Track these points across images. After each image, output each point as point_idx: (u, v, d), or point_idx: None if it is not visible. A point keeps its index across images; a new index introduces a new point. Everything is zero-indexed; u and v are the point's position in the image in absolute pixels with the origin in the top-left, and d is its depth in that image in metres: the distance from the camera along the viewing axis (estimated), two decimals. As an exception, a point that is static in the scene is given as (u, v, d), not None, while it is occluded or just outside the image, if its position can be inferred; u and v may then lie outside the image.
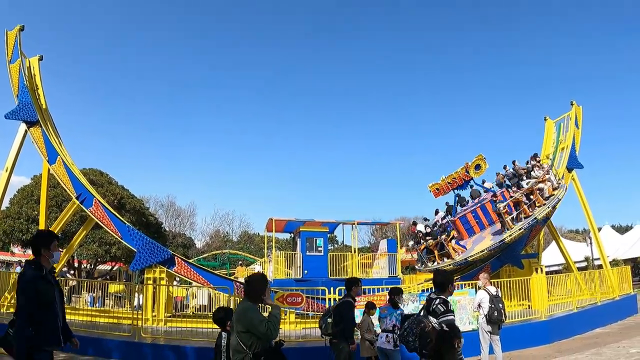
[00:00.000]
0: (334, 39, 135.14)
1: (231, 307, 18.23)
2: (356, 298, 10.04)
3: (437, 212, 26.18)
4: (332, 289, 17.04)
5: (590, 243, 41.40)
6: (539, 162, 23.90)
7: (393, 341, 10.11)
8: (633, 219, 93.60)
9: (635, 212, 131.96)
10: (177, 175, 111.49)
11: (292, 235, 30.49)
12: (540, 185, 21.91)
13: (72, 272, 36.55)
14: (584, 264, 44.17)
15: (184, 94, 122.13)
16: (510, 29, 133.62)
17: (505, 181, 23.96)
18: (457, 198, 26.22)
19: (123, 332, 15.95)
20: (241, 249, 59.61)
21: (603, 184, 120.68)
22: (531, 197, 21.73)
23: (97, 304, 25.40)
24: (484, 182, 25.42)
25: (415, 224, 26.51)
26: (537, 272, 21.63)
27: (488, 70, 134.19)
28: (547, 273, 23.61)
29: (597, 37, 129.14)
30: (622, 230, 66.47)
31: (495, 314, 12.09)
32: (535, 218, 20.89)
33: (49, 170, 21.54)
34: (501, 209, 21.42)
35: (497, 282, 17.33)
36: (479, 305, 12.52)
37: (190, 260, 23.79)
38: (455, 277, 21.62)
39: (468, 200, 26.00)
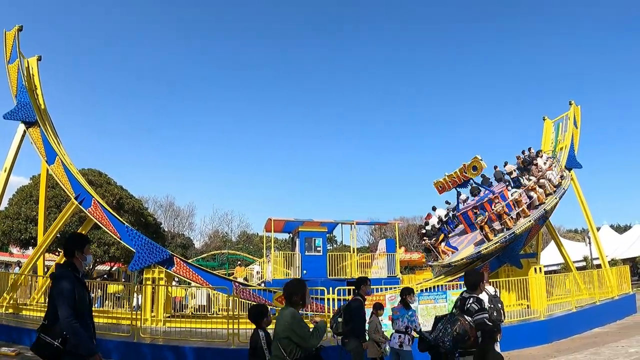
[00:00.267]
0: (334, 38, 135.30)
1: (230, 306, 18.26)
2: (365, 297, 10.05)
3: (434, 209, 26.20)
4: (331, 289, 17.05)
5: (589, 243, 41.46)
6: (540, 156, 23.98)
7: (406, 342, 10.12)
8: (632, 219, 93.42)
9: (634, 211, 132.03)
10: (176, 175, 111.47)
11: (291, 236, 30.50)
12: (542, 181, 22.04)
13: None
14: (582, 264, 44.16)
15: (183, 93, 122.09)
16: (510, 29, 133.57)
17: (504, 176, 24.21)
18: (458, 195, 26.29)
19: (122, 333, 15.95)
20: (240, 249, 59.60)
21: (602, 183, 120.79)
22: (532, 194, 21.81)
23: (96, 304, 25.42)
24: (504, 164, 25.54)
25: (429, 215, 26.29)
26: (535, 271, 21.63)
27: (488, 70, 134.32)
28: (546, 273, 23.59)
29: (597, 37, 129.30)
30: (620, 229, 66.51)
31: (494, 314, 12.07)
32: (545, 210, 21.07)
33: (47, 170, 21.53)
34: (480, 221, 21.73)
35: (496, 281, 17.35)
36: (479, 306, 12.50)
37: (189, 261, 23.80)
38: (455, 277, 21.66)
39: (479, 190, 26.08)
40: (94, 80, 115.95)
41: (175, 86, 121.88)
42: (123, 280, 43.87)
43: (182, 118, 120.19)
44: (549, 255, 43.38)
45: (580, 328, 18.84)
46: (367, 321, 10.51)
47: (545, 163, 22.81)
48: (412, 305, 10.95)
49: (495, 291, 12.62)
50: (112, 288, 26.72)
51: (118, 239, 20.91)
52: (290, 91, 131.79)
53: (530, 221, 20.97)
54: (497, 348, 9.00)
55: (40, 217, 24.03)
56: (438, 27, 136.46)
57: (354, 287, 10.42)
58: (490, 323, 6.80)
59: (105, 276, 43.06)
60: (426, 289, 17.47)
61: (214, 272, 23.10)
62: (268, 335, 7.26)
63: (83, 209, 20.64)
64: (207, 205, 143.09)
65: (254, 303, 20.09)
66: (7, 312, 19.40)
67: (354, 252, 28.51)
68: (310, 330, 5.86)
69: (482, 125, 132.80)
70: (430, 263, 25.99)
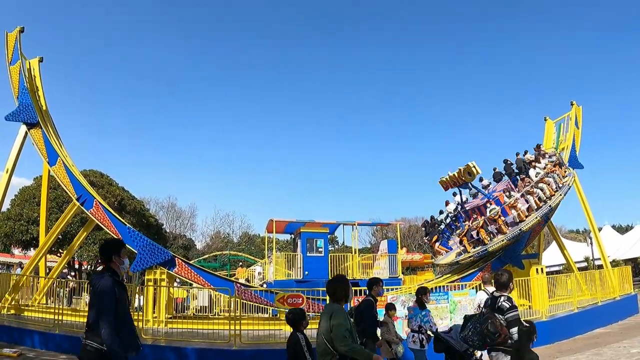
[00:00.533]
0: (334, 38, 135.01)
1: (232, 307, 18.28)
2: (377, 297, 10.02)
3: (447, 204, 26.20)
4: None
5: (591, 243, 41.39)
6: (542, 155, 23.93)
7: (419, 341, 10.13)
8: (633, 219, 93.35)
9: (636, 211, 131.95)
10: (177, 175, 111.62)
11: (293, 236, 30.51)
12: (541, 185, 22.06)
13: (72, 273, 36.57)
14: (584, 264, 44.11)
15: (183, 93, 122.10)
16: (510, 29, 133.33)
17: (503, 176, 24.30)
18: (454, 195, 26.29)
19: (124, 334, 15.94)
20: (242, 250, 59.68)
21: (603, 183, 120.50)
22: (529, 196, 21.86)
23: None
24: (481, 179, 25.49)
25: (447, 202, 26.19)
26: (537, 272, 21.63)
27: (488, 70, 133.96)
28: (547, 273, 23.59)
29: (597, 37, 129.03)
30: (622, 230, 66.41)
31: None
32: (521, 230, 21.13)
33: (49, 171, 21.55)
34: (459, 234, 22.00)
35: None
36: (479, 306, 12.53)
37: (190, 262, 23.79)
38: (458, 278, 21.68)
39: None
40: (94, 80, 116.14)
41: (175, 86, 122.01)
42: (125, 281, 43.92)
43: (182, 118, 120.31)
44: (551, 256, 43.30)
45: (582, 329, 18.84)
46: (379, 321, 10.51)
47: (537, 174, 22.65)
48: (427, 305, 10.97)
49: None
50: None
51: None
52: (290, 91, 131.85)
53: (503, 240, 21.06)
54: None
55: (42, 218, 24.06)
56: (438, 27, 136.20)
57: (366, 288, 10.39)
58: (527, 324, 7.07)
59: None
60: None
61: (215, 273, 23.10)
62: (306, 337, 7.43)
63: (85, 210, 20.63)
64: (208, 206, 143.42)
65: (256, 304, 20.14)
66: (9, 313, 19.41)
67: (355, 253, 28.52)
68: (347, 335, 5.79)
69: (482, 125, 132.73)
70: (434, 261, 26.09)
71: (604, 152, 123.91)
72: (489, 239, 21.61)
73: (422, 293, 11.02)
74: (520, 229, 20.79)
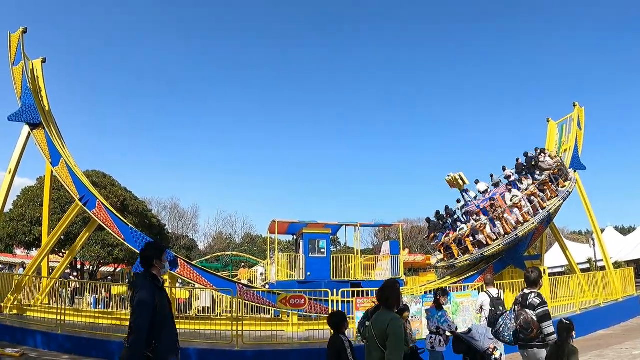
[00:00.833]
0: (334, 38, 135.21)
1: (234, 308, 18.29)
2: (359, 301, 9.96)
3: (477, 182, 26.01)
4: (335, 290, 17.02)
5: (593, 244, 41.34)
6: (543, 159, 23.84)
7: (437, 343, 10.12)
8: (636, 220, 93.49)
9: (639, 213, 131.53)
10: (178, 175, 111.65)
11: (295, 237, 30.51)
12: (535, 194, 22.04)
13: (75, 274, 36.62)
14: (586, 266, 44.07)
15: (183, 93, 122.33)
16: (510, 29, 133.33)
17: (500, 182, 24.28)
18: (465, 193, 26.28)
19: (126, 334, 15.93)
20: (244, 250, 59.70)
21: (606, 185, 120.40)
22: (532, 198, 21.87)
23: (100, 306, 25.49)
24: (502, 168, 25.44)
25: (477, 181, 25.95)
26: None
27: (488, 70, 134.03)
28: (549, 275, 23.58)
29: (597, 37, 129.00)
30: (625, 231, 66.33)
31: (496, 317, 12.10)
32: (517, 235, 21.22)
33: (52, 172, 21.58)
34: (447, 241, 22.37)
35: (500, 283, 17.34)
36: (481, 308, 12.53)
37: (193, 262, 23.81)
38: (460, 279, 21.69)
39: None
40: (94, 80, 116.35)
41: (175, 86, 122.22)
42: (127, 281, 43.99)
43: (182, 118, 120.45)
44: (553, 257, 43.28)
45: (584, 330, 18.80)
46: None
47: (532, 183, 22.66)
48: (444, 306, 10.96)
49: (499, 293, 12.65)
50: (117, 289, 26.82)
51: (122, 241, 20.91)
52: (290, 91, 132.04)
53: (499, 245, 21.04)
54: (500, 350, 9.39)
55: (44, 219, 24.08)
56: (438, 27, 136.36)
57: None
58: (567, 321, 7.27)
59: (109, 278, 43.17)
60: (430, 291, 17.44)
61: (217, 273, 23.12)
62: (349, 339, 7.50)
63: (87, 211, 20.66)
64: (210, 207, 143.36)
65: (258, 304, 20.15)
66: (11, 313, 19.44)
67: (357, 254, 28.53)
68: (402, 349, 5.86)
69: (482, 126, 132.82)
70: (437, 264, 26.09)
71: (607, 153, 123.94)
72: (474, 249, 21.70)
73: (440, 294, 11.03)
74: (516, 234, 20.77)
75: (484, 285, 13.43)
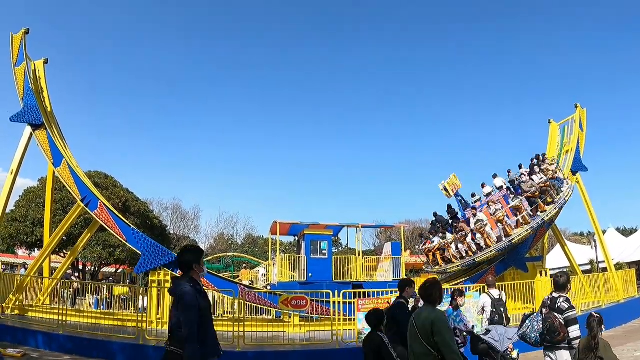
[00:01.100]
0: (334, 38, 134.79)
1: (235, 309, 18.29)
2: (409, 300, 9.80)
3: (483, 186, 25.88)
4: (336, 292, 17.00)
5: (595, 246, 41.34)
6: (539, 166, 23.67)
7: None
8: (638, 222, 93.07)
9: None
10: (178, 176, 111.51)
11: (297, 238, 30.56)
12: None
13: (76, 274, 36.64)
14: (588, 267, 44.04)
15: (183, 93, 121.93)
16: (510, 29, 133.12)
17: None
18: (458, 200, 26.25)
19: (128, 335, 15.98)
20: (245, 251, 59.71)
21: (607, 186, 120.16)
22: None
23: (102, 307, 25.51)
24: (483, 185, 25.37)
25: (495, 176, 25.75)
26: (541, 275, 21.58)
27: (488, 70, 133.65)
28: (551, 276, 23.53)
29: (598, 37, 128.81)
30: (626, 233, 66.28)
31: (497, 318, 12.12)
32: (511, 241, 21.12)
33: (54, 173, 21.60)
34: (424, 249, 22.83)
35: (502, 285, 17.33)
36: (483, 309, 12.54)
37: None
38: (462, 281, 21.66)
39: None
40: (93, 80, 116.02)
41: (175, 86, 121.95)
42: (129, 282, 44.01)
43: (182, 118, 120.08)
44: (555, 259, 43.25)
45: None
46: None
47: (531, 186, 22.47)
48: (461, 307, 10.96)
49: (500, 294, 12.65)
50: (118, 290, 26.84)
51: (124, 242, 20.93)
52: (290, 91, 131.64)
53: (492, 251, 20.98)
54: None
55: (46, 220, 24.12)
56: (438, 27, 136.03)
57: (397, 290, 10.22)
58: (597, 315, 7.39)
59: (110, 278, 43.18)
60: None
61: (219, 274, 23.14)
62: (387, 337, 7.54)
63: (89, 212, 20.67)
64: (211, 207, 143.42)
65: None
66: (13, 313, 19.47)
67: (359, 255, 28.54)
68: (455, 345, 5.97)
69: (482, 126, 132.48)
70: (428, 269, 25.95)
71: (608, 154, 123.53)
72: (457, 257, 21.70)
73: (457, 295, 11.05)
74: (510, 241, 20.68)
75: (486, 287, 13.44)
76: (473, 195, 25.93)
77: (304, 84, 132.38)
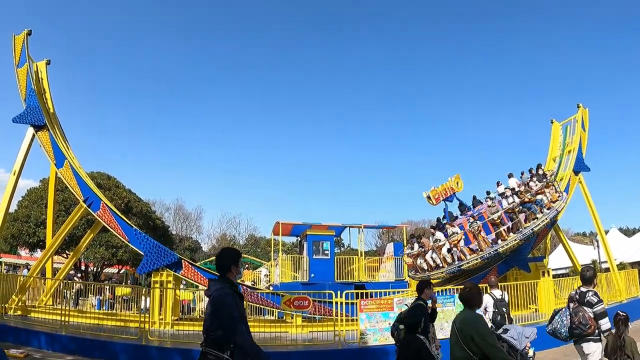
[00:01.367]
0: (334, 38, 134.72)
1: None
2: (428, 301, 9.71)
3: (499, 184, 25.09)
4: (338, 292, 17.02)
5: (597, 246, 41.26)
6: (534, 179, 23.24)
7: None
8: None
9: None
10: (181, 176, 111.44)
11: (299, 239, 30.55)
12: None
13: (79, 275, 36.66)
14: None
15: (183, 93, 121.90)
16: (510, 29, 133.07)
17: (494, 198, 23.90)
18: (446, 208, 25.98)
19: (130, 335, 15.99)
20: (248, 252, 59.62)
21: (610, 186, 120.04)
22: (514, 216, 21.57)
23: (104, 307, 25.53)
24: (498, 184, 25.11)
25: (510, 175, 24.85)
26: (543, 275, 21.57)
27: (488, 70, 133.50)
28: (554, 276, 23.56)
29: (598, 37, 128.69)
30: (629, 233, 66.11)
31: (499, 318, 12.12)
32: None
33: (56, 173, 21.63)
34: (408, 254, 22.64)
35: (504, 285, 17.31)
36: (485, 309, 12.53)
37: (197, 264, 23.83)
38: (464, 280, 21.62)
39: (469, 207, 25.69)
40: (93, 80, 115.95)
41: (175, 86, 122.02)
42: (130, 283, 44.02)
43: (182, 118, 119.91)
44: (557, 259, 43.24)
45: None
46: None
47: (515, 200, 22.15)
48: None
49: (502, 295, 12.65)
50: (121, 291, 26.86)
51: (126, 242, 20.97)
52: (290, 91, 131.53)
53: (477, 259, 20.83)
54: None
55: (49, 220, 24.16)
56: (438, 27, 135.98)
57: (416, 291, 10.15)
58: (623, 314, 8.11)
59: (113, 279, 43.22)
60: (436, 292, 17.41)
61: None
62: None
63: (92, 212, 20.70)
64: (212, 207, 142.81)
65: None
66: (15, 314, 19.49)
67: (361, 255, 28.55)
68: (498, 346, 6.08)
69: (482, 126, 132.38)
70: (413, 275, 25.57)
71: (611, 154, 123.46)
72: (447, 262, 21.55)
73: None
74: (496, 250, 20.52)
75: (488, 287, 13.43)
76: (488, 193, 25.50)
77: (304, 84, 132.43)
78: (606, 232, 37.45)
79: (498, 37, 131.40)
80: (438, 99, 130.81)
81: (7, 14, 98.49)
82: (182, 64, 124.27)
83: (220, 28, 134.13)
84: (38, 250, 36.10)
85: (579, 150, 26.74)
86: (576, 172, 26.33)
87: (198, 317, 23.55)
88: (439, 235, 22.62)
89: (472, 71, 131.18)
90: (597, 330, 7.80)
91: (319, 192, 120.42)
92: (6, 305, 19.34)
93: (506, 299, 12.73)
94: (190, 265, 20.75)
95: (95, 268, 40.42)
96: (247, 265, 36.25)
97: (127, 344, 15.12)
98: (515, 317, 15.78)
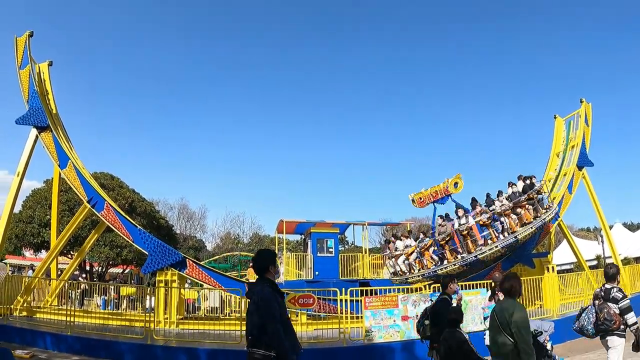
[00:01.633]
0: (334, 38, 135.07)
1: (243, 308, 18.29)
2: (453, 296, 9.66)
3: (510, 185, 24.75)
4: (343, 289, 17.00)
5: (602, 241, 41.20)
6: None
7: None
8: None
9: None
10: (181, 176, 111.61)
11: (303, 237, 30.56)
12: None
13: (83, 275, 36.75)
14: (595, 263, 43.91)
15: (184, 93, 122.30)
16: (510, 29, 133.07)
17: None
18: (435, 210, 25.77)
19: (135, 335, 16.00)
20: (252, 250, 59.63)
21: (614, 181, 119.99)
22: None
23: (109, 307, 25.58)
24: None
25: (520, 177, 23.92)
26: (548, 271, 21.52)
27: (488, 70, 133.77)
28: (558, 272, 23.48)
29: (598, 37, 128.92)
30: (633, 228, 66.17)
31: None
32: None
33: (60, 174, 21.66)
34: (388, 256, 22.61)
35: (491, 283, 17.27)
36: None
37: (201, 263, 23.84)
38: (469, 277, 21.61)
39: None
40: (93, 80, 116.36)
41: (175, 86, 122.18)
42: (135, 282, 44.09)
43: (182, 118, 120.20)
44: (562, 254, 43.19)
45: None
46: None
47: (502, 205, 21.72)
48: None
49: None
50: (126, 290, 26.91)
51: (131, 242, 20.99)
52: (290, 91, 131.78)
53: (455, 264, 20.65)
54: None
55: (53, 221, 24.20)
56: (438, 27, 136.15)
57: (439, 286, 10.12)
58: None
59: (117, 279, 43.29)
60: (438, 289, 17.42)
61: (226, 274, 23.15)
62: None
63: (96, 213, 20.73)
64: (213, 207, 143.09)
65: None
66: (21, 315, 19.53)
67: (366, 252, 28.53)
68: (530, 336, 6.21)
69: (482, 125, 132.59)
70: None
71: (615, 149, 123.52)
72: (432, 263, 21.46)
73: (498, 290, 11.08)
74: (475, 256, 20.39)
75: (493, 284, 13.42)
76: (500, 193, 25.04)
77: (304, 84, 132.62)
78: (610, 228, 37.40)
79: (498, 37, 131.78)
80: (438, 99, 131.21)
81: (7, 14, 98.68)
82: (182, 64, 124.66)
83: (220, 28, 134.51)
84: (42, 251, 36.16)
85: (582, 145, 26.69)
86: (580, 167, 26.27)
87: (203, 315, 23.60)
88: (399, 244, 23.06)
89: (472, 71, 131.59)
90: (622, 326, 8.16)
91: (319, 192, 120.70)
92: (12, 306, 19.39)
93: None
94: (194, 264, 20.76)
95: (99, 268, 40.50)
96: (251, 264, 36.31)
97: (132, 344, 15.14)
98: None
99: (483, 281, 17.48)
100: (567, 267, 42.28)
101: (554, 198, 23.80)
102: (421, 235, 23.18)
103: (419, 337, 9.62)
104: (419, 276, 21.39)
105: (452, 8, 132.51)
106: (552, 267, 21.82)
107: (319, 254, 25.87)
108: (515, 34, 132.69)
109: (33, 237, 33.40)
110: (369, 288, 17.64)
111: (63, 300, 22.01)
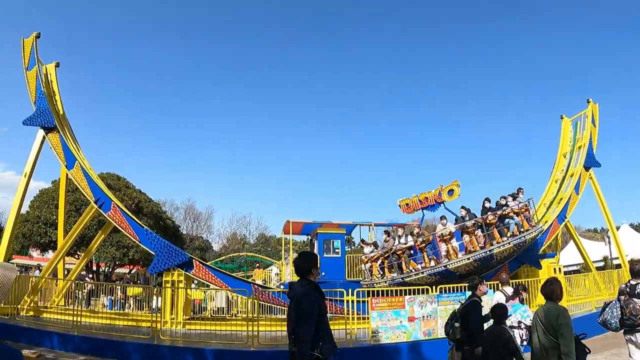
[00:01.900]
0: (334, 38, 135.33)
1: (249, 308, 18.29)
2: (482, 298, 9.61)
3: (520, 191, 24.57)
4: (349, 290, 16.99)
5: (609, 242, 41.05)
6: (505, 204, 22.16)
7: (519, 337, 9.99)
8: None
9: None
10: (185, 176, 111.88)
11: (309, 237, 30.51)
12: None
13: (90, 275, 36.86)
14: (602, 264, 43.77)
15: (187, 93, 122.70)
16: (510, 29, 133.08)
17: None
18: (423, 217, 25.60)
19: (142, 335, 16.02)
20: (258, 251, 59.80)
21: (617, 181, 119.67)
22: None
23: (116, 307, 25.63)
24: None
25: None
26: (555, 272, 21.46)
27: (489, 70, 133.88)
28: (565, 273, 23.43)
29: (598, 37, 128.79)
30: (640, 229, 65.88)
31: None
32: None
33: (67, 175, 21.72)
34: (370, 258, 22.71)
35: (515, 282, 17.24)
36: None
37: (207, 263, 23.87)
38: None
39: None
40: (95, 79, 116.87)
41: (179, 86, 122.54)
42: (142, 282, 44.17)
43: (186, 118, 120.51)
44: (569, 255, 43.00)
45: (600, 328, 18.48)
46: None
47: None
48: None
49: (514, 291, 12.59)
50: (132, 291, 26.95)
51: (137, 242, 21.02)
52: (294, 91, 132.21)
53: (423, 273, 20.68)
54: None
55: (60, 221, 24.29)
56: (438, 27, 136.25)
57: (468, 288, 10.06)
58: None
59: (124, 279, 43.37)
60: (445, 290, 17.39)
61: (232, 274, 23.17)
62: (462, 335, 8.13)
63: (102, 213, 20.77)
64: (222, 207, 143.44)
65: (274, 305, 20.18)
66: (27, 315, 19.60)
67: (372, 253, 28.46)
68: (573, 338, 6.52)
69: (486, 125, 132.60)
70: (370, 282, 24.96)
71: (622, 149, 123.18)
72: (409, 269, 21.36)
73: (522, 289, 11.33)
74: (445, 266, 20.32)
75: (499, 284, 13.40)
76: (504, 197, 24.86)
77: (307, 84, 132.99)
78: (617, 228, 37.28)
79: (498, 37, 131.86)
80: (442, 99, 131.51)
81: (7, 13, 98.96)
82: (183, 64, 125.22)
83: (220, 28, 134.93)
84: (49, 251, 36.29)
85: (589, 145, 26.62)
86: (587, 168, 26.22)
87: (209, 316, 23.61)
88: (367, 249, 23.37)
89: (476, 71, 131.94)
90: None
91: (323, 192, 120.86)
92: (19, 306, 19.46)
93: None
94: (201, 265, 20.77)
95: (106, 268, 40.62)
96: (258, 264, 36.32)
97: (139, 344, 15.16)
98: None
99: (490, 282, 17.40)
100: (574, 268, 42.08)
101: (541, 218, 23.78)
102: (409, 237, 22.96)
103: (447, 338, 9.49)
104: (385, 282, 21.29)
105: (452, 8, 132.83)
106: (559, 268, 21.79)
107: (325, 255, 25.82)
108: (515, 34, 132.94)
109: (40, 237, 33.54)
110: (375, 289, 17.61)
111: (70, 300, 22.06)
